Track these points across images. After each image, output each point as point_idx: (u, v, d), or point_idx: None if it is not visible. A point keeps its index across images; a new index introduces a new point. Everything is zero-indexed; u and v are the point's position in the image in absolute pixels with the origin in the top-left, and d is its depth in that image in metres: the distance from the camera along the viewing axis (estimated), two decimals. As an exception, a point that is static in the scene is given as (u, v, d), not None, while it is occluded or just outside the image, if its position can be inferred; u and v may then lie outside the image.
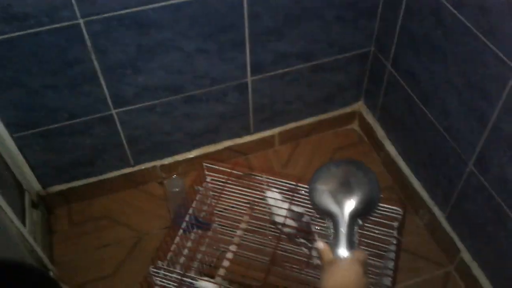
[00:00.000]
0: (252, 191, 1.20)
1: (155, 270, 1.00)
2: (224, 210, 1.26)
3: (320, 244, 0.78)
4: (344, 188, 0.86)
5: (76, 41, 1.23)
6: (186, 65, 1.39)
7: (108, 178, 1.61)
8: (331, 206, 0.84)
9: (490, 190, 1.23)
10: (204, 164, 1.20)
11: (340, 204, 0.83)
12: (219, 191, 1.19)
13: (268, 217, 1.18)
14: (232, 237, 1.29)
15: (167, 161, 1.65)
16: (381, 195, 0.89)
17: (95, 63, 1.29)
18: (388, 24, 1.47)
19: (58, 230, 1.58)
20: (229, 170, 1.20)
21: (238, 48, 1.40)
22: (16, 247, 1.17)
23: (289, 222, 1.11)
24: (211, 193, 1.26)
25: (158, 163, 1.64)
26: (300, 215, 1.13)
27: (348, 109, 1.77)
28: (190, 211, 1.19)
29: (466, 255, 1.40)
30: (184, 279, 0.98)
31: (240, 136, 1.68)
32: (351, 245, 0.79)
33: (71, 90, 1.33)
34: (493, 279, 1.33)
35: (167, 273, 1.00)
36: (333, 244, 0.79)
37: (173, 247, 1.11)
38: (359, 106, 1.77)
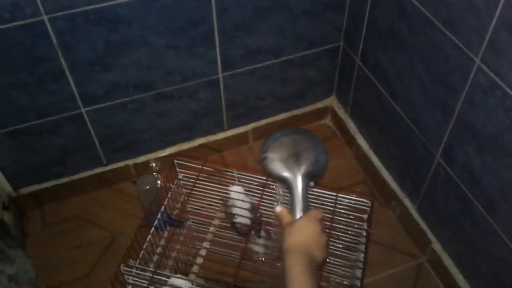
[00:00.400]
0: (224, 187, 1.21)
1: (126, 269, 0.99)
2: (197, 207, 1.26)
3: (279, 208, 0.81)
4: (294, 154, 0.90)
5: (41, 38, 1.21)
6: (156, 62, 1.39)
7: (80, 178, 1.60)
8: (284, 172, 0.88)
9: (457, 181, 1.25)
10: (175, 161, 1.20)
11: (292, 169, 0.88)
12: (190, 188, 1.20)
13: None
14: (205, 234, 1.29)
15: (140, 159, 1.64)
16: (328, 158, 0.93)
17: (62, 60, 1.28)
18: (356, 18, 1.49)
19: (31, 232, 1.56)
20: (199, 167, 1.20)
21: (208, 43, 1.41)
22: None
23: (244, 213, 1.13)
24: (183, 190, 1.26)
25: (131, 161, 1.64)
26: (254, 207, 1.15)
27: (320, 104, 1.78)
28: (162, 208, 1.19)
29: (437, 246, 1.43)
30: (156, 276, 0.98)
31: (214, 133, 1.68)
32: (306, 206, 0.83)
33: (38, 88, 1.31)
34: (463, 268, 1.35)
35: (139, 272, 0.99)
36: (290, 207, 0.84)
37: (145, 245, 1.10)
38: (331, 101, 1.79)
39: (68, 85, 1.34)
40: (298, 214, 0.83)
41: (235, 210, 1.17)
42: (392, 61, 1.37)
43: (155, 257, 1.15)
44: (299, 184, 0.86)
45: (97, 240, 1.54)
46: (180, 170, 1.22)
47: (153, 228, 1.15)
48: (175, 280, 1.01)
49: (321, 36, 1.55)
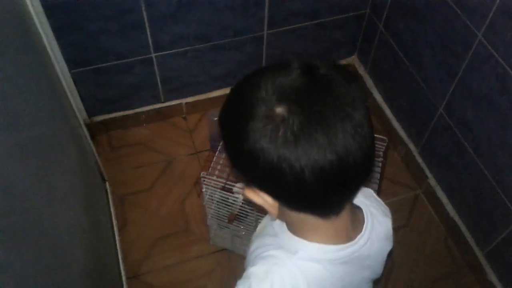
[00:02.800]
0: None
1: (205, 175, 1.33)
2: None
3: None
4: None
5: (131, -6, 1.50)
6: (215, 18, 1.67)
7: (142, 111, 1.92)
8: None
9: (454, 129, 1.59)
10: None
11: None
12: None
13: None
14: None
15: (191, 99, 1.96)
16: None
17: (144, 13, 1.57)
18: (382, -9, 1.77)
19: (100, 153, 1.89)
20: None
21: (259, 5, 1.69)
22: (89, 160, 1.49)
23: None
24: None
25: (183, 100, 1.95)
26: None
27: (344, 62, 2.09)
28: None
29: (432, 181, 1.78)
30: (228, 182, 1.32)
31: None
32: None
33: (121, 35, 1.61)
34: (452, 199, 1.72)
35: (214, 178, 1.33)
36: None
37: (212, 164, 1.44)
38: (353, 59, 2.10)
39: (145, 33, 1.63)
40: None
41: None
42: (410, 30, 1.67)
43: (217, 172, 1.48)
44: None
45: (155, 162, 1.88)
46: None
47: (217, 152, 1.47)
48: (240, 185, 1.36)
49: (351, 3, 1.84)
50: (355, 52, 2.08)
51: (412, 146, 1.86)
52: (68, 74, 1.66)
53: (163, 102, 1.93)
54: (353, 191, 0.64)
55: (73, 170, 1.26)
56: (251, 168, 0.59)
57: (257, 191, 0.64)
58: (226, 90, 1.98)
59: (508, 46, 1.27)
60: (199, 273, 1.64)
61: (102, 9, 1.51)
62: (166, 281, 1.62)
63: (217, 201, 1.42)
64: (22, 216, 0.79)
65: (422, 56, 1.65)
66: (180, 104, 1.96)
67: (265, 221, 0.86)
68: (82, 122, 1.54)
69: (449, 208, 1.73)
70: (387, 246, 0.81)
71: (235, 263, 1.66)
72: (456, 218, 1.71)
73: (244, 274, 0.71)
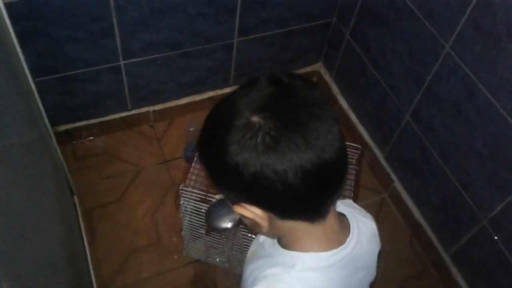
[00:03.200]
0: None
1: (185, 188, 1.31)
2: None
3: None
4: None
5: (100, 1, 1.45)
6: (187, 26, 1.65)
7: (108, 120, 1.86)
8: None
9: (420, 135, 1.65)
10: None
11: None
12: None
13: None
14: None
15: (158, 107, 1.92)
16: None
17: (114, 20, 1.52)
18: (350, 1, 1.81)
19: (65, 164, 1.81)
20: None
21: (231, 12, 1.68)
22: (59, 173, 1.43)
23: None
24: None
25: (151, 108, 1.91)
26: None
27: (309, 69, 2.12)
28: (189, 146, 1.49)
29: (397, 185, 1.85)
30: (208, 194, 1.31)
31: (221, 88, 1.98)
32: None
33: (89, 42, 1.55)
34: (417, 202, 1.79)
35: (194, 191, 1.31)
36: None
37: (189, 175, 1.42)
38: (318, 66, 2.13)
39: (114, 41, 1.58)
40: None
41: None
42: (378, 38, 1.72)
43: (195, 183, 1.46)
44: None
45: (123, 172, 1.83)
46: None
47: (193, 163, 1.45)
48: (221, 196, 1.35)
49: (319, 11, 1.87)
50: (320, 59, 2.11)
51: (377, 151, 1.92)
52: (32, 83, 1.57)
53: (129, 110, 1.88)
54: (335, 191, 0.66)
55: (49, 185, 1.21)
56: (237, 182, 0.61)
57: (246, 205, 0.65)
58: (195, 98, 1.96)
59: (476, 57, 1.34)
60: (174, 285, 1.62)
61: (71, 17, 1.45)
62: (140, 296, 1.58)
63: (196, 213, 1.40)
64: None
65: (390, 64, 1.70)
66: (148, 112, 1.92)
67: (254, 246, 0.87)
68: (51, 132, 1.47)
69: (415, 210, 1.80)
70: (376, 246, 0.85)
71: (210, 273, 1.65)
72: (421, 220, 1.78)
73: None
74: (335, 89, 2.08)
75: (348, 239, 0.72)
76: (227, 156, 0.59)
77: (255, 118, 0.58)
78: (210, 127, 0.65)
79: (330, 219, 0.69)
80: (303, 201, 0.63)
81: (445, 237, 1.70)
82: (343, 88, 2.05)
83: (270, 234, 0.73)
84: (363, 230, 0.78)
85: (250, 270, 0.78)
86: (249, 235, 1.43)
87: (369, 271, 0.82)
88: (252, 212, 0.65)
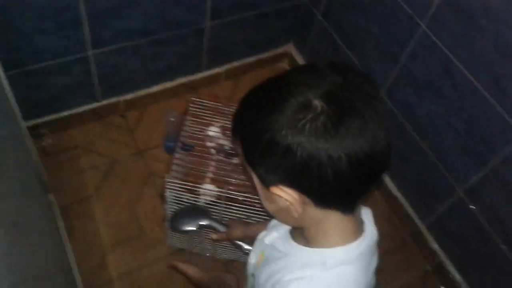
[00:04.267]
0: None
1: (170, 180, 1.28)
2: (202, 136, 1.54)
3: (214, 236, 1.21)
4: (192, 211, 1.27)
5: (67, -11, 1.38)
6: (159, 12, 1.60)
7: (77, 112, 1.79)
8: (200, 222, 1.21)
9: (396, 113, 1.68)
10: (191, 98, 1.46)
11: (199, 216, 1.22)
12: (199, 120, 1.47)
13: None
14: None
15: (129, 96, 1.86)
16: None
17: (82, 9, 1.45)
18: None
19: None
20: (211, 104, 1.46)
21: (202, -3, 1.64)
22: (32, 170, 1.36)
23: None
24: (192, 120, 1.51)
25: (121, 98, 1.85)
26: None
27: (280, 50, 2.10)
28: (171, 136, 1.45)
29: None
30: (195, 185, 1.29)
31: (193, 73, 1.94)
32: (223, 223, 1.19)
33: (57, 33, 1.47)
34: (395, 178, 1.83)
35: (182, 182, 1.29)
36: (218, 231, 1.19)
37: (174, 166, 1.38)
38: (290, 47, 2.12)
39: (82, 30, 1.51)
40: (223, 228, 1.18)
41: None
42: (352, 19, 1.72)
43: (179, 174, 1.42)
44: (210, 220, 1.20)
45: (97, 166, 1.77)
46: (192, 105, 1.48)
47: (178, 153, 1.41)
48: (207, 186, 1.33)
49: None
50: (291, 40, 2.10)
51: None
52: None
53: (99, 101, 1.81)
54: (374, 185, 0.66)
55: (24, 183, 1.15)
56: (284, 163, 0.60)
57: (285, 188, 0.63)
58: (167, 85, 1.91)
59: (453, 35, 1.37)
60: (159, 277, 1.59)
61: (37, 8, 1.37)
62: (125, 290, 1.55)
63: (181, 204, 1.37)
64: None
65: (364, 44, 1.71)
66: (118, 102, 1.85)
67: (258, 249, 0.85)
68: (25, 128, 1.39)
69: (392, 186, 1.84)
70: (376, 232, 0.85)
71: (194, 262, 1.63)
72: (398, 194, 1.82)
73: None
74: (307, 70, 2.08)
75: (366, 228, 0.72)
76: (278, 136, 0.58)
77: (317, 102, 0.58)
78: (260, 104, 0.62)
79: (356, 210, 0.69)
80: (347, 190, 0.62)
81: (422, 209, 1.75)
82: (315, 69, 2.05)
83: (295, 222, 0.70)
84: (369, 217, 0.77)
85: (267, 274, 0.76)
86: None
87: (376, 258, 0.82)
88: (289, 195, 0.63)
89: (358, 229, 0.71)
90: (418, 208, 1.77)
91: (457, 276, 1.67)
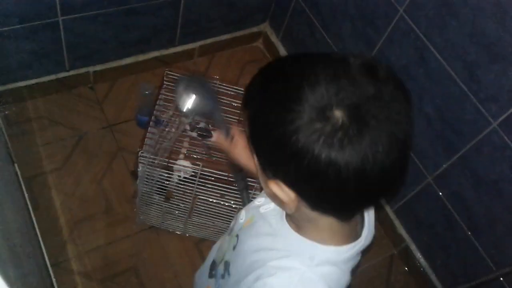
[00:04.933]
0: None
1: (144, 155, 1.25)
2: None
3: (214, 137, 1.06)
4: (203, 95, 1.03)
5: (39, -51, 1.30)
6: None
7: (43, 82, 1.71)
8: (206, 109, 1.01)
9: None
10: (166, 71, 1.42)
11: (208, 106, 1.01)
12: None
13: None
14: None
15: (99, 67, 1.80)
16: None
17: (53, -29, 1.38)
18: (299, -40, 1.78)
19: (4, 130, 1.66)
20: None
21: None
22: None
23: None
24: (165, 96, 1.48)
25: (91, 69, 1.78)
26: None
27: (255, 29, 2.08)
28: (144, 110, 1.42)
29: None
30: (170, 161, 1.26)
31: (166, 48, 1.89)
32: (228, 128, 1.02)
33: (25, -4, 1.40)
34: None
35: (155, 157, 1.26)
36: (220, 133, 1.02)
37: (147, 141, 1.35)
38: (265, 26, 2.09)
39: (53, -6, 1.44)
40: (226, 133, 1.00)
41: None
42: (329, 1, 1.72)
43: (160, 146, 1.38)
44: (217, 113, 1.02)
45: (64, 138, 1.71)
46: (166, 80, 1.45)
47: (150, 127, 1.38)
48: (182, 162, 1.31)
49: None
50: (266, 19, 2.07)
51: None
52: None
53: (67, 71, 1.74)
54: (378, 200, 0.64)
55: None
56: (290, 165, 0.56)
57: (282, 185, 0.60)
58: (138, 58, 1.85)
59: (429, 21, 1.38)
60: (127, 253, 1.57)
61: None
62: (92, 266, 1.52)
63: (153, 180, 1.35)
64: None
65: (341, 27, 1.71)
66: (87, 72, 1.79)
67: (249, 213, 0.82)
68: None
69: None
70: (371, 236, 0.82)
71: (164, 240, 1.61)
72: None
73: (257, 285, 0.67)
74: (282, 50, 2.06)
75: (363, 231, 0.70)
76: (290, 137, 0.54)
77: (339, 113, 0.52)
78: (278, 93, 0.57)
79: (354, 219, 0.68)
80: (348, 203, 0.60)
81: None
82: (291, 50, 2.04)
83: (289, 212, 0.66)
84: (370, 219, 0.75)
85: (252, 246, 0.74)
86: (210, 200, 1.41)
87: (360, 257, 0.78)
88: (285, 193, 0.60)
89: (353, 233, 0.69)
90: (385, 191, 1.80)
91: (422, 261, 1.72)
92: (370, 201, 0.62)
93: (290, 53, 0.58)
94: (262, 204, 0.79)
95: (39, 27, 1.51)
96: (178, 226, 1.58)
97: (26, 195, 1.48)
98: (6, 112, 1.69)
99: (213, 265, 0.91)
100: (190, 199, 1.40)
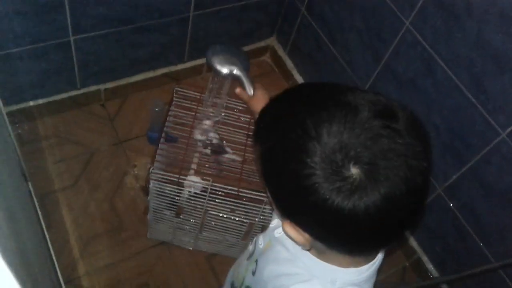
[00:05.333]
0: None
1: (155, 171, 1.26)
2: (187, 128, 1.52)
3: (237, 90, 1.09)
4: (231, 57, 1.16)
5: (49, -28, 1.34)
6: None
7: (56, 100, 1.74)
8: (233, 66, 1.13)
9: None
10: (175, 88, 1.44)
11: (236, 65, 1.13)
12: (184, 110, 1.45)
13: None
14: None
15: (110, 85, 1.82)
16: (248, 57, 1.22)
17: (64, -7, 1.41)
18: (305, -25, 1.81)
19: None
20: (196, 94, 1.45)
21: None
22: (13, 157, 1.32)
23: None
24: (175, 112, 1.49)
25: (102, 86, 1.81)
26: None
27: (262, 43, 2.10)
28: (152, 127, 1.44)
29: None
30: (181, 177, 1.27)
31: (175, 64, 1.92)
32: (253, 83, 1.11)
33: (38, 17, 1.43)
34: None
35: (166, 173, 1.27)
36: (244, 88, 1.10)
37: (158, 157, 1.36)
38: (272, 41, 2.11)
39: (64, 15, 1.47)
40: (251, 90, 1.09)
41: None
42: (336, 14, 1.73)
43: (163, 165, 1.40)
44: (244, 72, 1.12)
45: (76, 156, 1.73)
46: (176, 96, 1.47)
47: (160, 143, 1.39)
48: (192, 178, 1.32)
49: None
50: (273, 33, 2.09)
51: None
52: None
53: (79, 89, 1.77)
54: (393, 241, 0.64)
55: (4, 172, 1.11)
56: (308, 217, 0.57)
57: (298, 227, 0.60)
58: (148, 74, 1.88)
59: (436, 33, 1.39)
60: (139, 270, 1.58)
61: (18, -11, 1.33)
62: (104, 283, 1.53)
63: (164, 195, 1.36)
64: None
65: (348, 39, 1.72)
66: (98, 90, 1.81)
67: (267, 237, 0.82)
68: (4, 113, 1.35)
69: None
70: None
71: (176, 255, 1.62)
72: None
73: None
74: (289, 64, 2.08)
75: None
76: (311, 194, 0.53)
77: (355, 171, 0.52)
78: (290, 144, 0.55)
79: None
80: (364, 245, 0.61)
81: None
82: (298, 63, 2.06)
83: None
84: None
85: (271, 272, 0.74)
86: (220, 215, 1.41)
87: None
88: (300, 235, 0.61)
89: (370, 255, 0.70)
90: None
91: (434, 272, 1.71)
92: (385, 244, 0.63)
93: (303, 84, 0.57)
94: (276, 227, 0.79)
95: (51, 47, 1.55)
96: (189, 242, 1.59)
97: (39, 212, 1.49)
98: (19, 131, 1.72)
99: None
100: (200, 215, 1.41)
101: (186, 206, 1.41)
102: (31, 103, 1.71)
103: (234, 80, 1.16)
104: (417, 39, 1.45)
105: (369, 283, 0.69)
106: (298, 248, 0.67)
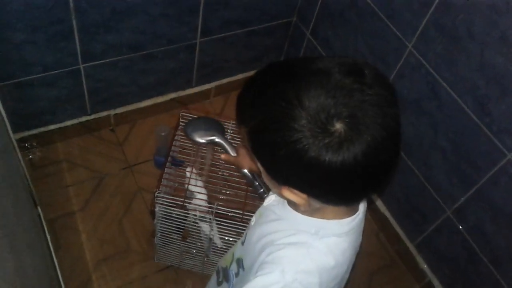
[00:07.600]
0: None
1: (161, 195, 1.28)
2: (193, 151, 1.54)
3: (222, 156, 1.17)
4: (209, 125, 1.24)
5: (60, 3, 1.38)
6: (149, 27, 1.61)
7: (66, 126, 1.78)
8: (212, 136, 1.21)
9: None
10: (181, 113, 1.47)
11: (214, 132, 1.21)
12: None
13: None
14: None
15: (119, 110, 1.86)
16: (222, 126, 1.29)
17: (74, 22, 1.45)
18: (310, 1, 1.84)
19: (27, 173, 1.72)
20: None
21: (193, 13, 1.66)
22: (21, 184, 1.35)
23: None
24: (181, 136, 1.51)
25: (111, 112, 1.85)
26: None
27: (270, 68, 2.12)
28: (158, 151, 1.46)
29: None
30: (186, 200, 1.29)
31: (183, 89, 1.95)
32: (232, 145, 1.19)
33: (48, 45, 1.48)
34: (383, 196, 1.84)
35: (172, 197, 1.28)
36: (227, 151, 1.17)
37: (163, 181, 1.38)
38: (279, 65, 2.14)
39: (74, 43, 1.52)
40: (233, 151, 1.17)
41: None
42: (340, 38, 1.76)
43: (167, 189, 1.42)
44: (222, 138, 1.20)
45: (86, 180, 1.76)
46: (182, 120, 1.49)
47: (168, 168, 1.41)
48: (197, 201, 1.33)
49: (279, 11, 1.87)
50: (282, 57, 2.12)
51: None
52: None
53: (89, 115, 1.81)
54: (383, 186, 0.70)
55: (13, 197, 1.14)
56: (303, 177, 0.62)
57: (295, 191, 0.66)
58: (157, 100, 1.91)
59: (438, 56, 1.40)
60: (147, 293, 1.58)
61: (28, 19, 1.38)
62: (112, 307, 1.54)
63: (171, 219, 1.37)
64: None
65: (352, 63, 1.74)
66: (108, 116, 1.85)
67: (257, 212, 0.87)
68: (14, 140, 1.38)
69: (380, 204, 1.85)
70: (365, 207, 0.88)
71: (183, 279, 1.62)
72: (387, 213, 1.83)
73: (268, 259, 0.72)
74: (296, 88, 2.10)
75: (361, 205, 0.76)
76: (303, 155, 0.58)
77: (339, 125, 0.57)
78: (275, 116, 0.60)
79: None
80: (357, 192, 0.66)
81: (411, 229, 1.76)
82: (305, 87, 2.07)
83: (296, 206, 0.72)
84: None
85: (259, 234, 0.78)
86: (226, 238, 1.42)
87: (361, 236, 0.85)
88: (298, 196, 0.66)
89: (356, 208, 0.75)
90: (406, 227, 1.78)
91: (444, 294, 1.68)
92: (376, 188, 0.67)
93: (272, 64, 0.62)
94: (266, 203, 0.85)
95: (62, 75, 1.59)
96: (196, 265, 1.59)
97: (48, 237, 1.51)
98: (31, 156, 1.76)
99: (219, 274, 0.97)
100: (206, 238, 1.41)
101: (192, 230, 1.42)
102: (43, 129, 1.75)
103: (215, 146, 1.25)
104: (420, 62, 1.46)
105: (351, 237, 0.75)
106: (284, 210, 0.76)
